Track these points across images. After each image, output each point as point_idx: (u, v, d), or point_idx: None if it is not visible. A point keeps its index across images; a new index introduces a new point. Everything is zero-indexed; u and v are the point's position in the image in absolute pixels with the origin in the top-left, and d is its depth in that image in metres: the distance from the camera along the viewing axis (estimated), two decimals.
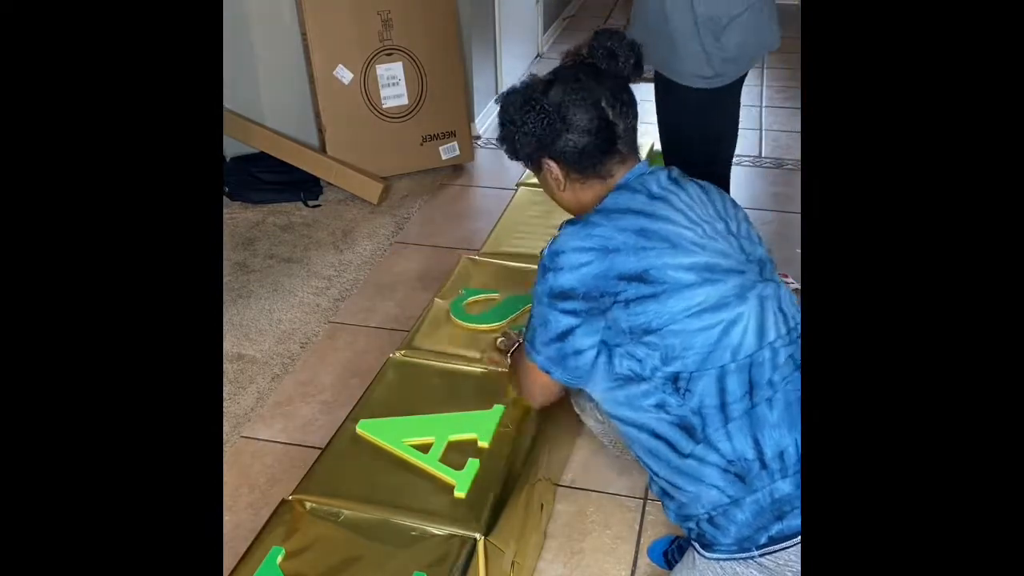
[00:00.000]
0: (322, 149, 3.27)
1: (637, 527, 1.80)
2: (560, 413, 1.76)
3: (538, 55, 4.74)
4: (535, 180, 2.53)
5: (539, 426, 1.59)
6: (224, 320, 2.49)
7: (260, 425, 2.12)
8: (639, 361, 1.21)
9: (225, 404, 2.17)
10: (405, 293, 2.66)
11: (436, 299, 1.94)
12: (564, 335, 1.25)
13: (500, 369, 1.68)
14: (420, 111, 3.28)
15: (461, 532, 1.32)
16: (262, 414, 2.16)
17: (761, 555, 1.18)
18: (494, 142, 3.72)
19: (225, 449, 2.03)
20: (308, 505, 1.37)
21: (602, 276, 1.21)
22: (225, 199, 3.23)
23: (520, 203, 2.44)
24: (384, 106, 3.23)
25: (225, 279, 2.72)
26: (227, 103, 3.17)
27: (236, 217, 3.14)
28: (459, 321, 1.85)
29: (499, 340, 1.76)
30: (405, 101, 3.25)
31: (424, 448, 1.47)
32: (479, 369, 1.71)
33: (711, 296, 1.19)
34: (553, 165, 1.34)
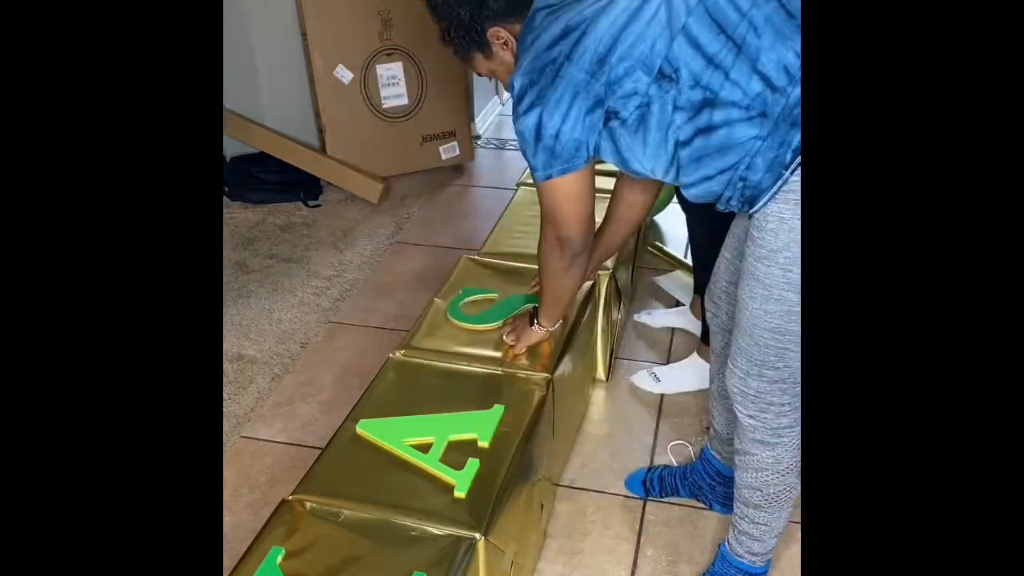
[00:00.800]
0: (322, 149, 3.27)
1: (637, 527, 1.80)
2: (560, 413, 1.76)
3: None
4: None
5: (539, 426, 1.59)
6: (224, 320, 2.49)
7: (260, 425, 2.12)
8: (634, 94, 1.24)
9: (225, 404, 2.17)
10: (405, 293, 2.66)
11: (436, 299, 1.94)
12: (537, 131, 1.31)
13: (522, 353, 1.75)
14: (420, 111, 3.28)
15: (461, 532, 1.32)
16: (262, 414, 2.16)
17: (791, 173, 1.20)
18: (490, 144, 3.72)
19: (225, 449, 2.03)
20: (308, 505, 1.37)
21: (535, 59, 1.30)
22: (225, 199, 3.23)
23: (520, 203, 2.44)
24: (384, 106, 3.23)
25: (225, 279, 2.72)
26: (227, 103, 3.17)
27: (236, 217, 3.14)
28: (456, 321, 1.85)
29: (506, 335, 1.79)
30: (405, 101, 3.25)
31: (424, 448, 1.47)
32: (479, 369, 1.71)
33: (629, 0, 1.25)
34: (500, 31, 1.41)
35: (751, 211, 1.26)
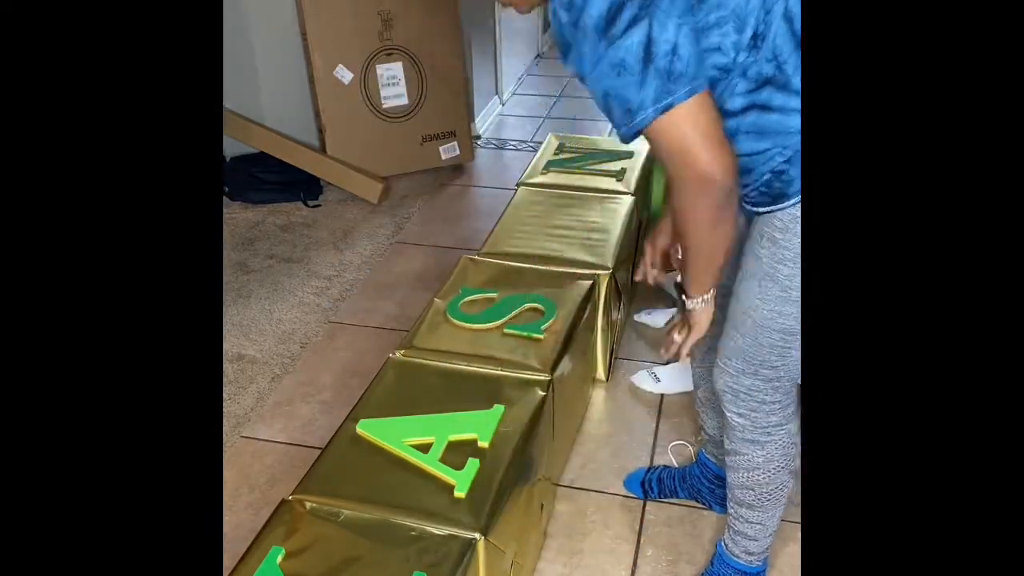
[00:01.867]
0: (322, 149, 3.27)
1: (637, 527, 1.81)
2: (560, 413, 1.76)
3: (538, 55, 4.74)
4: (535, 180, 2.56)
5: (539, 426, 1.59)
6: (224, 320, 2.49)
7: (260, 425, 2.12)
8: (718, 49, 1.10)
9: (225, 404, 2.17)
10: (405, 293, 2.66)
11: (436, 299, 1.94)
12: (647, 49, 1.05)
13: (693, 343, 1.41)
14: (420, 111, 3.28)
15: (461, 532, 1.32)
16: (262, 414, 2.16)
17: None
18: (490, 144, 3.72)
19: (225, 449, 2.03)
20: (308, 505, 1.37)
21: None
22: (225, 199, 3.23)
23: (520, 203, 2.44)
24: (384, 106, 3.23)
25: (225, 279, 2.72)
26: (227, 103, 3.17)
27: (236, 217, 3.14)
28: (456, 321, 1.85)
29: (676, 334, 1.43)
30: (405, 101, 3.25)
31: (424, 448, 1.47)
32: (479, 369, 1.71)
33: None
34: None
35: (768, 209, 1.20)
